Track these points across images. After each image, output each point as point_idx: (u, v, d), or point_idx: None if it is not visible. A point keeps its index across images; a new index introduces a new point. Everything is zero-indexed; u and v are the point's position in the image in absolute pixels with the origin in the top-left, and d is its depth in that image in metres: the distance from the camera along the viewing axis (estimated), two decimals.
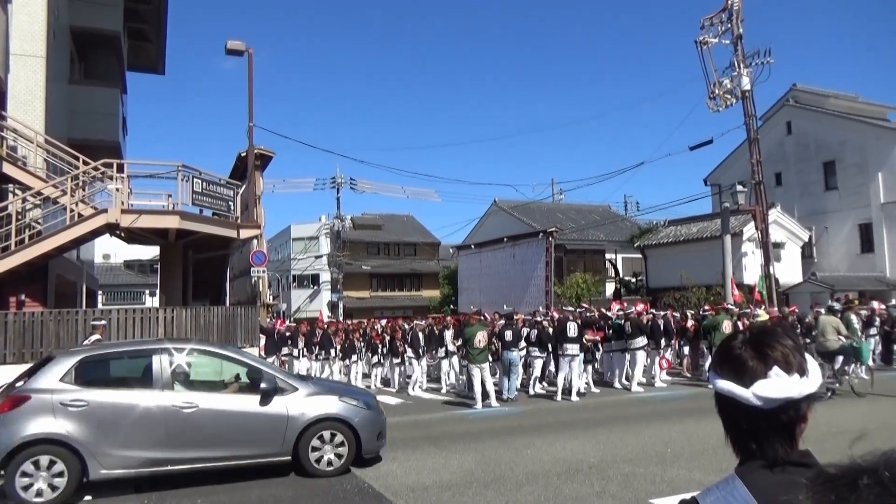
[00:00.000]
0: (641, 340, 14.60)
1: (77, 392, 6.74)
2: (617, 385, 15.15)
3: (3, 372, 12.74)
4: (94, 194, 16.66)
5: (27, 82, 16.06)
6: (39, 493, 6.37)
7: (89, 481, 6.66)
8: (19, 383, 6.94)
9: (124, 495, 6.84)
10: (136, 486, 7.11)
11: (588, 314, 15.48)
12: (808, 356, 1.28)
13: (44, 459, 6.44)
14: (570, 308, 16.17)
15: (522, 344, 14.44)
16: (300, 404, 7.42)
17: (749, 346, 1.27)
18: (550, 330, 14.39)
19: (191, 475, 7.06)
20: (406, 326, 17.05)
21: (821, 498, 0.85)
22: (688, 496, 1.31)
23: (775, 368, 1.22)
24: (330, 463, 7.44)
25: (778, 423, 1.22)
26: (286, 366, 17.27)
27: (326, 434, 7.46)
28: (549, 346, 14.18)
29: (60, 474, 6.46)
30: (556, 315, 15.44)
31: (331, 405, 7.62)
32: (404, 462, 8.02)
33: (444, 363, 16.14)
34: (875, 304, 18.11)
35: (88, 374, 7.06)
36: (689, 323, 17.14)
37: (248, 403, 7.28)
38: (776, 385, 1.21)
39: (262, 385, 7.31)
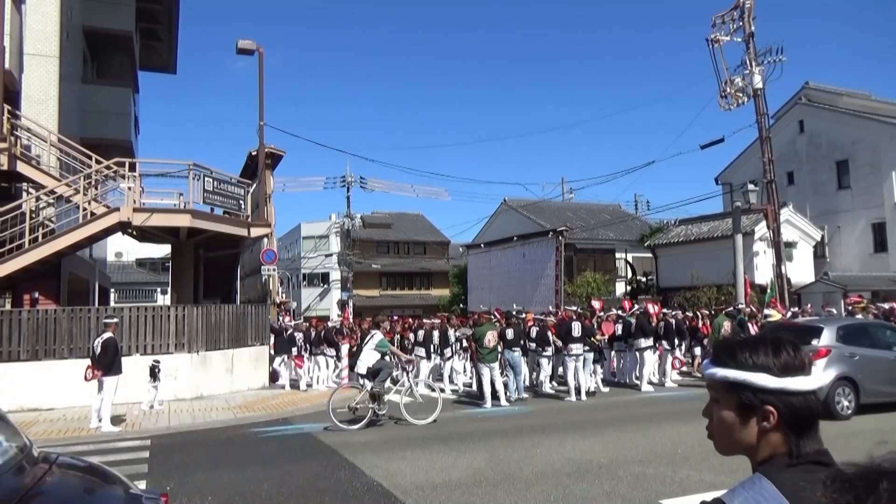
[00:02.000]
0: (648, 340, 14.54)
1: (849, 348, 10.72)
2: (630, 381, 15.28)
3: (17, 369, 12.89)
4: (106, 193, 16.80)
5: (40, 82, 16.22)
6: (845, 408, 10.29)
7: (860, 405, 10.38)
8: (813, 342, 10.49)
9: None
10: (141, 483, 7.17)
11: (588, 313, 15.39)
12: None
13: (843, 389, 10.38)
14: (574, 308, 16.12)
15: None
16: None
17: (772, 342, 1.32)
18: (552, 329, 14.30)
19: None
20: (429, 323, 16.71)
21: (838, 498, 0.85)
22: (708, 498, 1.31)
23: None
24: None
25: (807, 413, 1.27)
26: (282, 363, 16.90)
27: None
28: (555, 345, 14.13)
29: (849, 400, 10.35)
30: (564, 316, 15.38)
31: None
32: (413, 461, 8.03)
33: (449, 363, 16.07)
34: (884, 305, 17.80)
35: (844, 337, 10.88)
36: (700, 323, 17.04)
37: None
38: (810, 376, 1.28)
39: None
